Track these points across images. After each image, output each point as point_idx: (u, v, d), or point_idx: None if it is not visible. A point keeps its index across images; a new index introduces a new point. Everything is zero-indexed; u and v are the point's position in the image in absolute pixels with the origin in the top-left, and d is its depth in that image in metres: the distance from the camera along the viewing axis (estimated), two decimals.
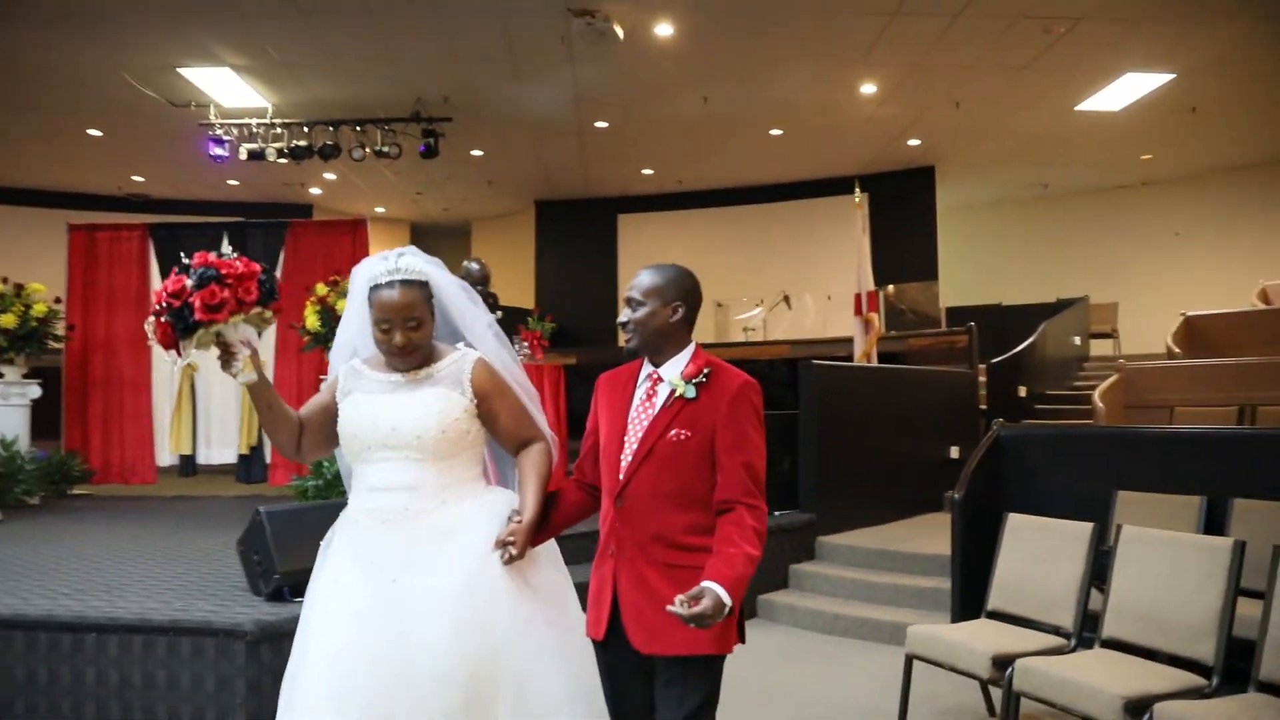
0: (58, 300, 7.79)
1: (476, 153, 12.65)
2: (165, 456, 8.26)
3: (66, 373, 8.22)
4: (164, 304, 2.18)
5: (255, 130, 10.63)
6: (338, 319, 6.75)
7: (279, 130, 10.67)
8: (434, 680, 2.06)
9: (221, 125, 10.63)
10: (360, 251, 7.91)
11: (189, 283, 2.17)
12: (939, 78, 9.75)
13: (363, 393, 2.33)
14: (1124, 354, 11.61)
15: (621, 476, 2.15)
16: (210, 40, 8.93)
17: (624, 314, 2.21)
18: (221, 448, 8.21)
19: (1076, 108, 10.62)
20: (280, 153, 10.58)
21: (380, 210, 16.50)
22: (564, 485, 2.39)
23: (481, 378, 2.33)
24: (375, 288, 2.27)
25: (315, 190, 14.90)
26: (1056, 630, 3.37)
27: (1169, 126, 11.23)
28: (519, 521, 2.22)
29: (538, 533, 2.27)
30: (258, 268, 2.26)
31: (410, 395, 2.29)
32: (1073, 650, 3.24)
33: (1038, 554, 3.56)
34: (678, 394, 2.13)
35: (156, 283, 8.35)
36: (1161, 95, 10.12)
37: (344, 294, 6.96)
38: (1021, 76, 9.65)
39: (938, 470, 6.09)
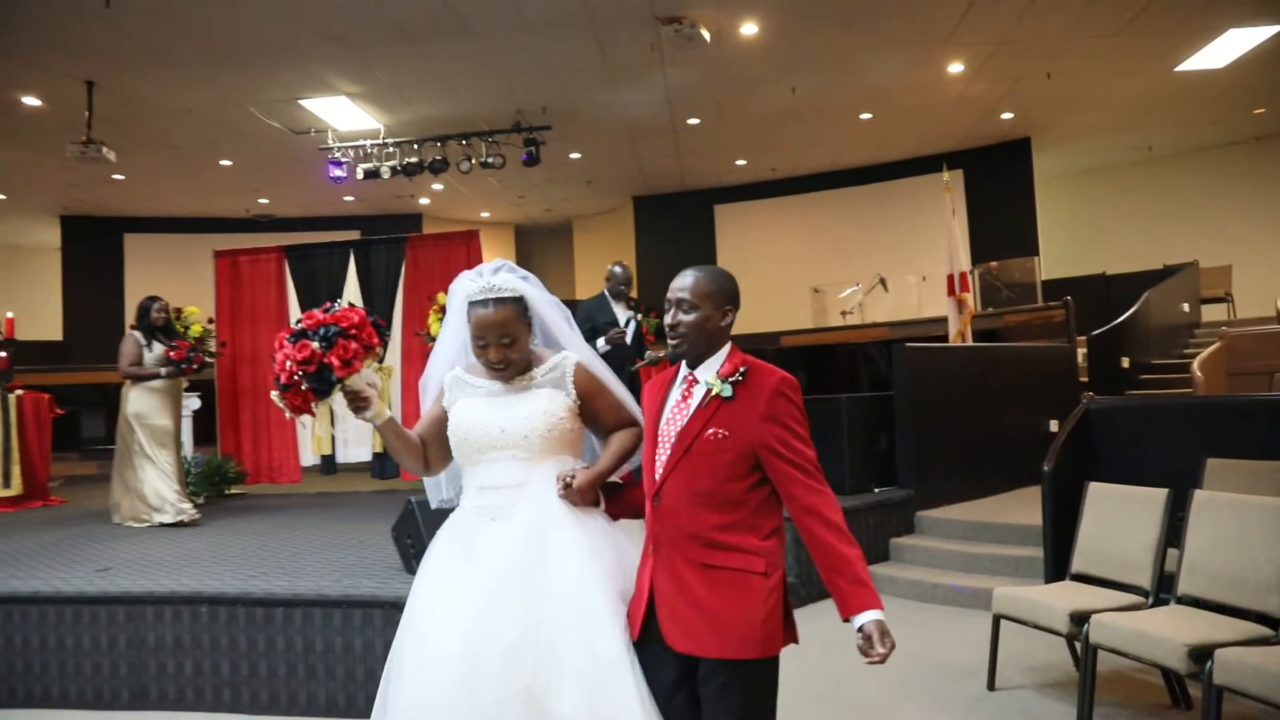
0: (211, 320, 8.65)
1: (575, 156, 13.19)
2: (308, 457, 9.08)
3: (219, 385, 9.11)
4: (299, 374, 2.23)
5: (370, 151, 11.41)
6: None
7: (391, 149, 11.42)
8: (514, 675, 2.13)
9: (339, 148, 11.44)
10: (474, 259, 8.51)
11: (315, 346, 2.22)
12: (1027, 52, 9.74)
13: (469, 398, 2.42)
14: (1239, 319, 11.32)
15: (658, 476, 2.16)
16: (327, 72, 9.69)
17: (672, 316, 2.18)
18: (357, 447, 8.99)
19: (1176, 69, 10.42)
20: (394, 170, 11.33)
21: (485, 215, 17.28)
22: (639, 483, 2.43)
23: (582, 379, 2.42)
24: (472, 304, 2.36)
25: (424, 200, 15.73)
26: (1134, 589, 3.61)
27: (1278, 79, 10.88)
28: (585, 467, 2.35)
29: (614, 503, 2.37)
30: (364, 312, 2.36)
31: (516, 399, 2.38)
32: (1149, 607, 3.49)
33: (1117, 520, 3.80)
34: (714, 393, 2.13)
35: (293, 299, 9.16)
36: (1270, 47, 9.83)
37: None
38: (1113, 43, 9.55)
39: (1036, 444, 6.21)
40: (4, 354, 8.62)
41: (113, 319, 15.47)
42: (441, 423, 2.45)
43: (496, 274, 2.38)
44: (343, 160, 11.44)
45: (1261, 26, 9.26)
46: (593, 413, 2.43)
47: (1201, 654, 2.92)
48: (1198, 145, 13.96)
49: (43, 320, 16.36)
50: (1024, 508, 5.83)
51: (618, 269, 6.22)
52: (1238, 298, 11.98)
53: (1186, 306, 10.87)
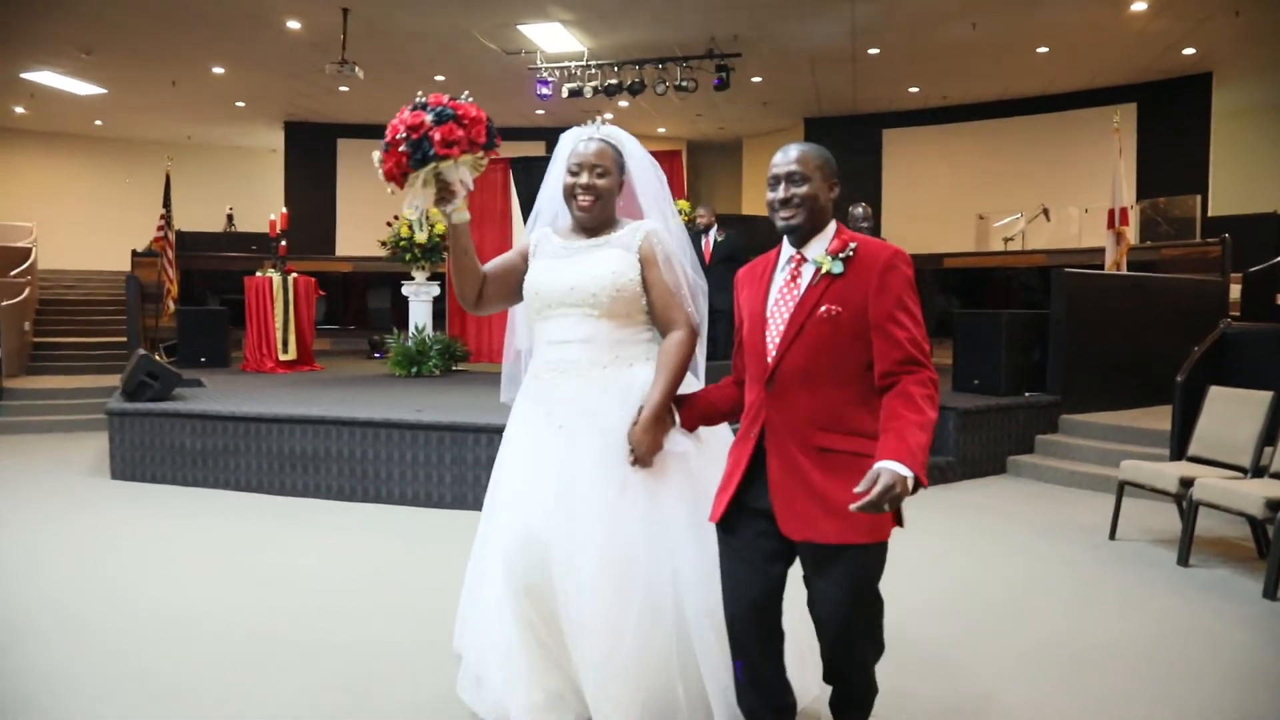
0: None
1: (756, 80, 14.06)
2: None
3: (447, 277, 10.75)
4: (403, 134, 2.31)
5: (574, 72, 12.67)
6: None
7: (593, 71, 12.64)
8: (588, 522, 2.33)
9: (547, 69, 12.75)
10: (676, 176, 9.70)
11: (428, 118, 2.31)
12: None
13: (547, 258, 2.54)
14: None
15: (770, 359, 2.14)
16: (551, 4, 10.92)
17: (783, 190, 2.14)
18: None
19: None
20: (595, 90, 12.57)
21: (662, 130, 18.38)
22: (723, 382, 2.46)
23: (647, 245, 2.47)
24: (576, 146, 2.52)
25: (608, 115, 16.82)
26: (1237, 468, 4.60)
27: None
28: (637, 420, 2.37)
29: (686, 422, 2.42)
30: (485, 115, 2.40)
31: (588, 256, 2.47)
32: (1251, 477, 4.48)
33: (1230, 415, 4.77)
34: (824, 270, 2.10)
35: (515, 206, 10.63)
36: None
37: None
38: None
39: (1176, 368, 6.99)
40: (283, 242, 10.48)
41: (326, 215, 17.60)
42: (514, 271, 2.58)
43: (604, 126, 2.61)
44: (549, 80, 12.76)
45: None
46: (646, 282, 2.47)
47: (1275, 505, 3.95)
48: None
49: (262, 215, 18.69)
50: (1158, 419, 6.70)
51: (858, 210, 6.33)
52: None
53: None
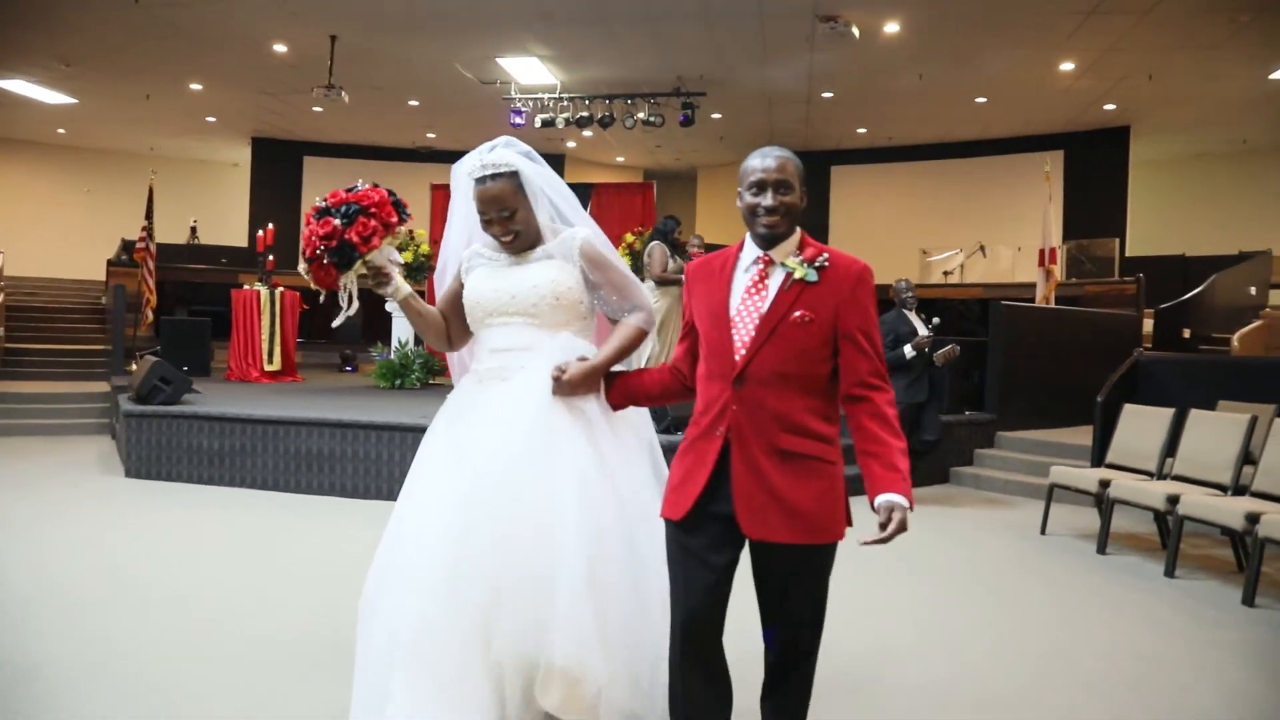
0: (433, 241, 10.78)
1: (716, 115, 14.91)
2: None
3: (428, 294, 11.25)
4: (321, 248, 2.36)
5: (547, 104, 13.35)
6: (640, 256, 9.31)
7: (566, 103, 13.34)
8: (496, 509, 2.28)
9: (520, 99, 13.41)
10: (649, 205, 10.41)
11: (337, 222, 2.35)
12: (1133, 56, 11.10)
13: (484, 268, 2.54)
14: None
15: (738, 358, 2.14)
16: (528, 38, 11.59)
17: (771, 198, 2.15)
18: None
19: (1270, 76, 11.64)
20: (567, 121, 13.26)
21: (620, 159, 19.18)
22: (661, 368, 2.47)
23: (588, 250, 2.51)
24: (473, 181, 2.48)
25: (571, 144, 17.65)
26: (1146, 473, 5.44)
27: None
28: (582, 360, 2.42)
29: (612, 399, 2.48)
30: (385, 192, 2.47)
31: (526, 268, 2.50)
32: (1156, 480, 5.31)
33: (1141, 429, 5.61)
34: (797, 277, 2.13)
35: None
36: None
37: (646, 240, 9.54)
38: (1211, 54, 10.86)
39: (1097, 391, 7.89)
40: (270, 257, 10.90)
41: (292, 231, 17.91)
42: (459, 297, 2.58)
43: (493, 151, 2.48)
44: (523, 110, 13.41)
45: None
46: (597, 284, 2.53)
47: (1174, 499, 4.78)
48: None
49: (226, 228, 18.89)
50: (1081, 436, 7.56)
51: (903, 284, 6.81)
52: None
53: (1254, 290, 12.19)
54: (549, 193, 2.55)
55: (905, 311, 6.74)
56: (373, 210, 2.39)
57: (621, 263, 2.60)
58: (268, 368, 10.29)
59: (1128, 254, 13.54)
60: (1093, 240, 13.26)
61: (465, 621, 2.23)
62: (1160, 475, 5.36)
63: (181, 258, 16.26)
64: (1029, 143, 15.01)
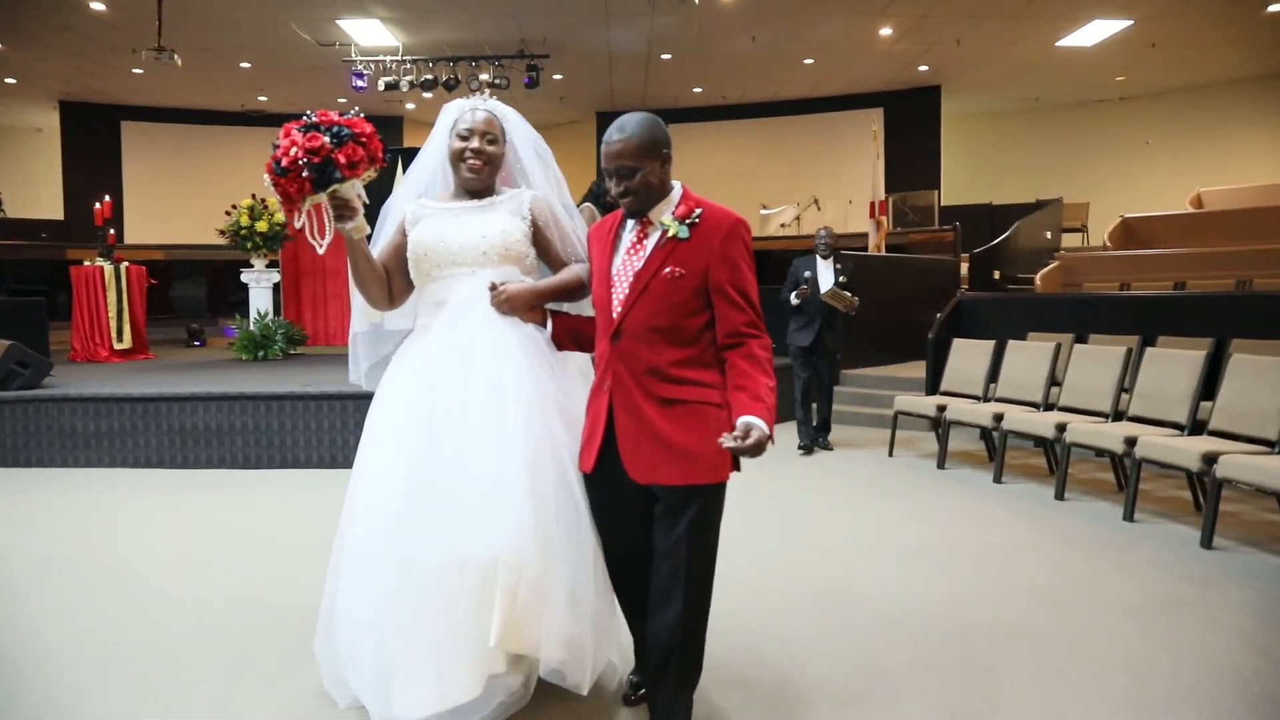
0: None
1: (558, 76, 15.15)
2: (360, 325, 11.23)
3: (283, 264, 11.11)
4: (304, 160, 2.25)
5: (390, 66, 13.20)
6: None
7: (409, 66, 13.23)
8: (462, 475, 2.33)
9: (362, 62, 13.19)
10: None
11: (326, 140, 2.26)
12: (943, 23, 12.16)
13: (432, 218, 2.55)
14: (1091, 245, 14.29)
15: (615, 315, 2.24)
16: (371, 1, 11.44)
17: (617, 185, 2.21)
18: (401, 316, 11.19)
19: (1057, 44, 13.02)
20: (411, 84, 13.17)
21: None
22: (589, 317, 2.54)
23: (539, 208, 2.58)
24: (463, 114, 2.58)
25: (410, 105, 17.41)
26: (973, 397, 6.31)
27: (1134, 57, 13.63)
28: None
29: (557, 334, 2.54)
30: (374, 127, 2.42)
31: (474, 217, 2.52)
32: (981, 402, 6.18)
33: (968, 359, 6.48)
34: (670, 234, 2.20)
35: None
36: (1125, 35, 12.52)
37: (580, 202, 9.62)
38: (1010, 23, 12.06)
39: (927, 329, 8.85)
40: (111, 231, 10.41)
41: (114, 201, 16.89)
42: (403, 250, 2.57)
43: (488, 100, 2.65)
44: (364, 73, 13.21)
45: (1118, 20, 11.90)
46: (544, 241, 2.58)
47: (999, 416, 5.63)
48: (1074, 100, 16.75)
49: (35, 200, 17.55)
50: (916, 370, 8.51)
51: (822, 232, 7.05)
52: (1092, 229, 14.94)
53: (1049, 234, 13.68)
54: (524, 154, 2.65)
55: (818, 258, 6.87)
56: (363, 139, 2.33)
57: (569, 222, 2.64)
58: (118, 346, 9.92)
59: (943, 204, 14.84)
60: (914, 192, 14.45)
61: (431, 552, 2.29)
62: (986, 398, 6.24)
63: None
64: (853, 101, 16.10)
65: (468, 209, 2.55)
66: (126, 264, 10.20)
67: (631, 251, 2.28)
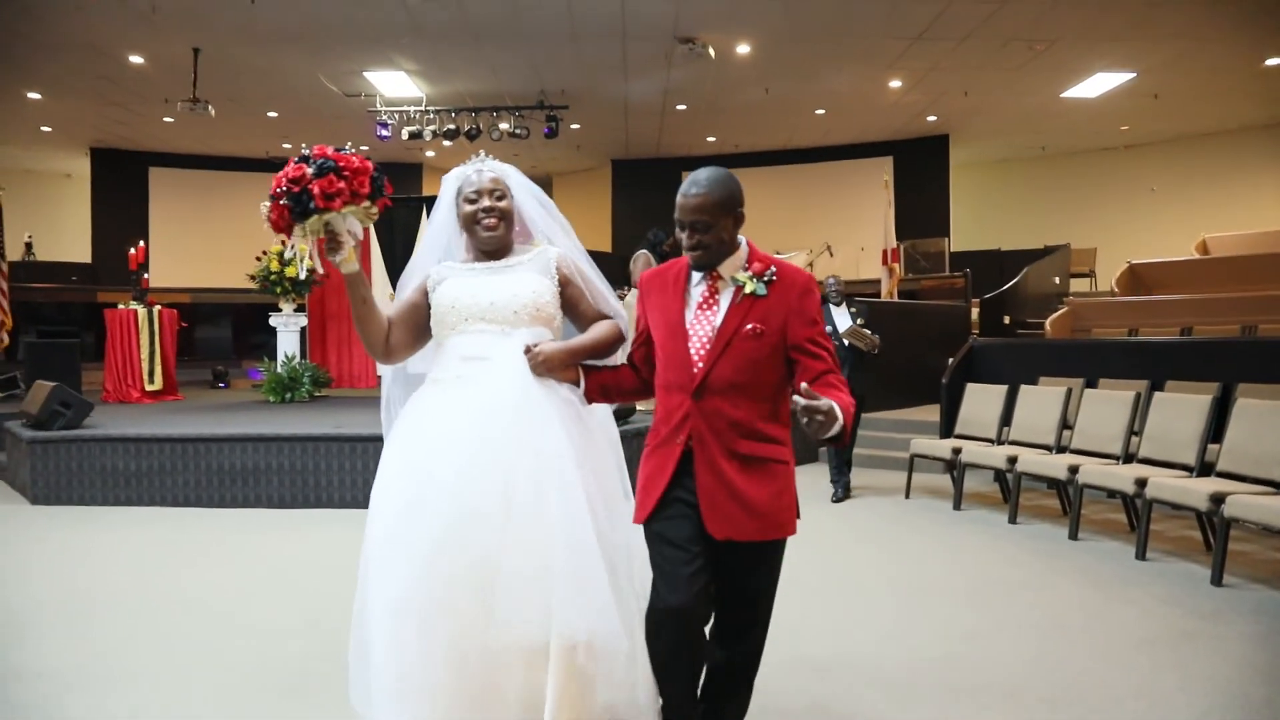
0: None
1: (575, 126, 15.56)
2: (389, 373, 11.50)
3: (310, 308, 11.40)
4: (284, 188, 2.30)
5: (413, 116, 13.62)
6: None
7: (432, 116, 13.65)
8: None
9: (386, 112, 13.61)
10: None
11: (309, 171, 2.30)
12: (951, 75, 12.52)
13: (457, 278, 2.53)
14: (1099, 290, 14.51)
15: (696, 370, 2.26)
16: (395, 53, 11.86)
17: (690, 238, 2.25)
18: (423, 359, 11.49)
19: (1061, 95, 13.38)
20: (434, 134, 13.57)
21: None
22: (620, 367, 2.57)
23: (564, 264, 2.57)
24: (465, 179, 2.59)
25: (430, 153, 17.87)
26: (987, 440, 6.49)
27: (1137, 107, 13.97)
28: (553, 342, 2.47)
29: (589, 391, 2.51)
30: (371, 165, 2.39)
31: (505, 275, 2.51)
32: (994, 445, 6.36)
33: (982, 403, 6.68)
34: (747, 291, 2.24)
35: (374, 242, 11.45)
36: (1128, 87, 12.87)
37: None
38: (1015, 75, 12.42)
39: (939, 373, 9.06)
40: (146, 275, 10.74)
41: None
42: (418, 310, 2.56)
43: (487, 161, 2.66)
44: (389, 122, 13.63)
45: (1121, 73, 12.26)
46: (573, 298, 2.57)
47: (1013, 460, 5.81)
48: (1081, 148, 17.09)
49: (63, 244, 17.97)
50: (930, 413, 8.71)
51: (831, 280, 7.23)
52: (1100, 274, 15.17)
53: (1057, 279, 13.90)
54: (526, 208, 2.62)
55: (831, 306, 7.02)
56: (346, 173, 2.33)
57: (597, 275, 2.63)
58: (149, 387, 10.18)
59: (952, 250, 15.12)
60: (925, 239, 14.74)
61: (460, 617, 2.22)
62: (999, 441, 6.43)
63: (18, 276, 15.46)
64: (863, 149, 16.48)
65: (494, 269, 2.54)
66: (159, 307, 10.49)
67: (705, 306, 2.30)
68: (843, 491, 6.85)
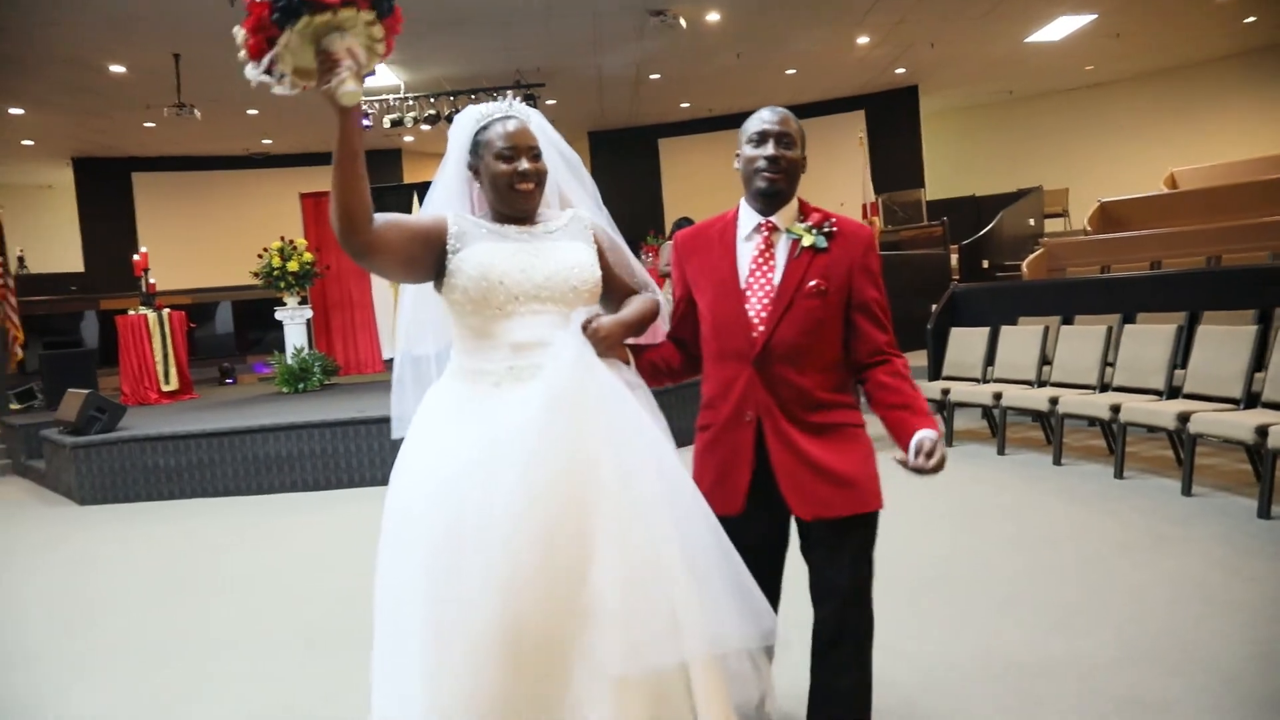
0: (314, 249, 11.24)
1: (551, 101, 15.78)
2: (388, 352, 11.86)
3: (312, 299, 11.71)
4: None
5: (393, 104, 13.85)
6: None
7: (411, 103, 13.88)
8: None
9: (366, 101, 13.84)
10: None
11: None
12: (917, 28, 12.83)
13: (491, 241, 2.00)
14: (1073, 229, 14.96)
15: (756, 335, 2.02)
16: None
17: (773, 147, 2.03)
18: (436, 338, 11.91)
19: (1025, 40, 13.71)
20: (415, 120, 13.81)
21: None
22: (666, 344, 2.28)
23: (599, 231, 2.17)
24: (490, 125, 2.07)
25: (408, 138, 18.06)
26: (972, 379, 6.95)
27: (1100, 47, 14.33)
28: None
29: (645, 367, 2.16)
30: None
31: (555, 245, 2.05)
32: (979, 383, 6.82)
33: (966, 346, 7.13)
34: (806, 244, 2.02)
35: None
36: (1090, 29, 13.21)
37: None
38: (979, 23, 12.72)
39: (923, 320, 9.48)
40: (153, 281, 11.01)
41: (126, 251, 17.48)
42: (423, 237, 1.99)
43: (515, 104, 2.17)
44: (370, 112, 13.85)
45: (1083, 15, 12.60)
46: (608, 267, 2.14)
47: (998, 395, 6.26)
48: (1047, 89, 17.42)
49: (52, 255, 18.12)
50: (917, 360, 9.10)
51: None
52: (1073, 213, 15.61)
53: (1032, 221, 14.34)
54: (553, 164, 2.15)
55: None
56: None
57: (623, 242, 2.27)
58: (165, 388, 10.50)
59: (929, 198, 15.52)
60: (902, 191, 15.12)
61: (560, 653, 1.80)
62: (985, 380, 6.88)
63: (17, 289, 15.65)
64: (835, 105, 16.77)
65: (534, 235, 2.05)
66: (167, 310, 10.79)
67: (760, 262, 2.07)
68: None
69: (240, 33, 1.80)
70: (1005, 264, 12.76)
